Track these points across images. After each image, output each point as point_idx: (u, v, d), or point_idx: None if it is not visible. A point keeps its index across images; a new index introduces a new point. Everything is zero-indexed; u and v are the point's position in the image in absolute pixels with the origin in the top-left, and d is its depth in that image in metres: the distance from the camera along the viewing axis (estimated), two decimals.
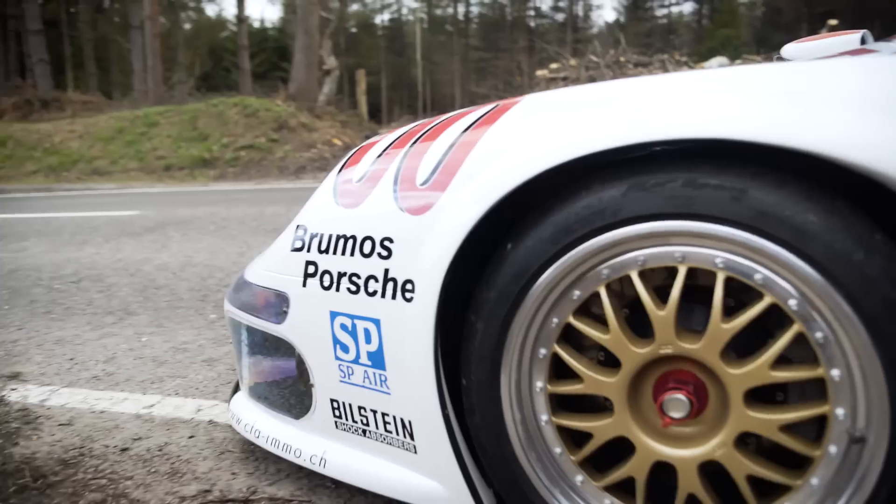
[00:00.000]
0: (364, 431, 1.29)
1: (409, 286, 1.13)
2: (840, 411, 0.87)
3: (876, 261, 0.84)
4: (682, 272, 0.96)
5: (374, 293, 1.18)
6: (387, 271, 1.16)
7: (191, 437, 1.72)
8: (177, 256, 4.40)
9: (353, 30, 43.09)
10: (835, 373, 0.87)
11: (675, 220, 0.94)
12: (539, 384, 1.10)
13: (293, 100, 15.75)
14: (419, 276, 1.12)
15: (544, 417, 1.11)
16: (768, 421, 0.93)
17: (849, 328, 0.85)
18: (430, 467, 1.21)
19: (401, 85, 42.84)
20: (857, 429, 0.86)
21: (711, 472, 1.01)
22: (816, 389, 0.91)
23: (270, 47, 38.12)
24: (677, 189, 0.94)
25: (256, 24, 42.98)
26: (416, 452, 1.22)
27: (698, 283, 1.00)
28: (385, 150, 1.29)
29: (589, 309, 1.07)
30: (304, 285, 1.30)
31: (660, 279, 1.03)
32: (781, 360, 0.93)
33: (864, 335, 0.84)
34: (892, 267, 0.84)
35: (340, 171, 1.35)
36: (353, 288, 1.21)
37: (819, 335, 0.88)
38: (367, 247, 1.19)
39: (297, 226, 1.35)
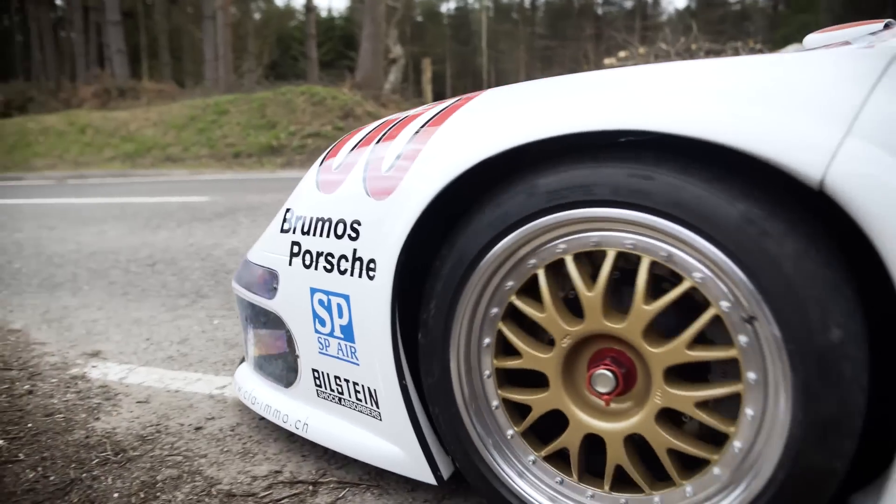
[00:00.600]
0: (340, 399, 1.41)
1: (372, 265, 1.24)
2: (725, 304, 0.94)
3: (691, 189, 0.93)
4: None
5: (345, 271, 1.29)
6: (355, 251, 1.27)
7: (262, 418, 1.76)
8: (246, 242, 4.50)
9: (419, 18, 43.13)
10: (697, 276, 0.96)
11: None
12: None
13: (359, 88, 15.89)
14: (380, 256, 1.23)
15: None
16: (674, 348, 1.00)
17: (694, 242, 0.94)
18: (393, 433, 1.33)
19: (466, 73, 42.68)
20: (745, 311, 0.92)
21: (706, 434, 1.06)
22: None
23: (337, 36, 38.50)
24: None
25: (324, 14, 43.50)
26: (381, 419, 1.34)
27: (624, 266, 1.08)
28: (360, 141, 1.41)
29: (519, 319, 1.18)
30: (290, 264, 1.42)
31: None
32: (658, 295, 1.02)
33: (706, 242, 0.93)
34: (711, 186, 0.92)
35: (322, 161, 1.48)
36: (329, 266, 1.33)
37: (664, 253, 0.98)
38: (340, 229, 1.31)
39: (287, 209, 1.48)
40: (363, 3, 18.54)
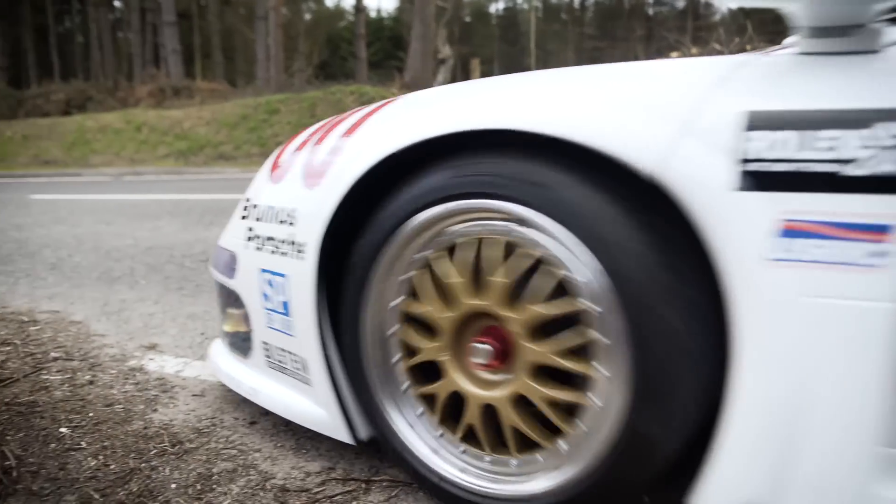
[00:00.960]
0: (283, 369, 1.56)
1: (302, 248, 1.39)
2: (507, 228, 1.11)
3: (433, 174, 1.17)
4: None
5: (285, 254, 1.44)
6: (292, 235, 1.42)
7: None
8: None
9: (468, 19, 43.13)
10: (487, 230, 1.15)
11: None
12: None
13: (408, 88, 15.97)
14: (308, 240, 1.37)
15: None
16: (501, 284, 1.14)
17: (466, 206, 1.14)
18: (320, 399, 1.47)
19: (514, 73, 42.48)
20: (524, 222, 1.07)
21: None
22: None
23: (386, 36, 38.77)
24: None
25: (373, 14, 43.87)
26: (311, 385, 1.48)
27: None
28: (308, 135, 1.56)
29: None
30: (246, 247, 1.57)
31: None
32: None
33: (469, 201, 1.13)
34: (442, 163, 1.16)
35: (276, 154, 1.65)
36: (273, 249, 1.47)
37: (450, 233, 1.21)
38: (283, 215, 1.45)
39: (246, 198, 1.65)
40: (412, 4, 18.62)
